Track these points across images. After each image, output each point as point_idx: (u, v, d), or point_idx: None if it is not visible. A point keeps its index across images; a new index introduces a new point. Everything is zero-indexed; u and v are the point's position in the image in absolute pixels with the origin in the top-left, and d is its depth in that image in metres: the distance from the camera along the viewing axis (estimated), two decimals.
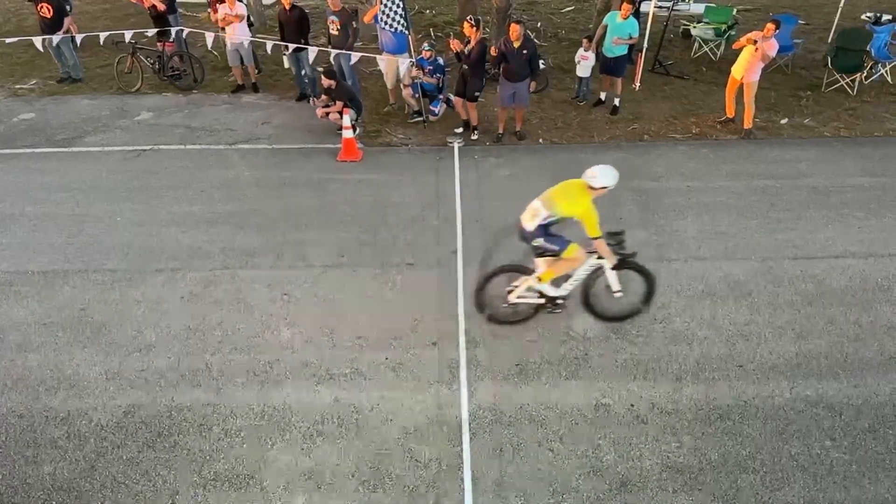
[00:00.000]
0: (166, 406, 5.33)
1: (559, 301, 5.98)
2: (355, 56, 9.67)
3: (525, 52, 8.70)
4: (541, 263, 5.76)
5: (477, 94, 9.24)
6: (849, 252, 7.03)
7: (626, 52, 9.88)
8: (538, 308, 6.03)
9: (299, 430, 5.12)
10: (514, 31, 8.61)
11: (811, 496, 4.63)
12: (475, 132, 9.59)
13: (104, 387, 5.50)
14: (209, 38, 10.66)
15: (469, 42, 8.97)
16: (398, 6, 9.14)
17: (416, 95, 9.83)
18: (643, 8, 11.39)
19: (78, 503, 4.62)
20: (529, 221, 5.57)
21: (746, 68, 9.14)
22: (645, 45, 10.81)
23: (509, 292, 5.97)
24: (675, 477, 4.77)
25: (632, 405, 5.32)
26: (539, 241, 5.60)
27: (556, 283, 5.88)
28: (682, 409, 5.28)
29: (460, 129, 9.68)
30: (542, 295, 5.94)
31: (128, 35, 10.76)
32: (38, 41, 10.78)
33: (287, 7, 10.01)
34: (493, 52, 8.97)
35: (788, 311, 6.26)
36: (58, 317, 6.22)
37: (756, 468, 4.82)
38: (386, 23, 9.28)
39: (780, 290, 6.51)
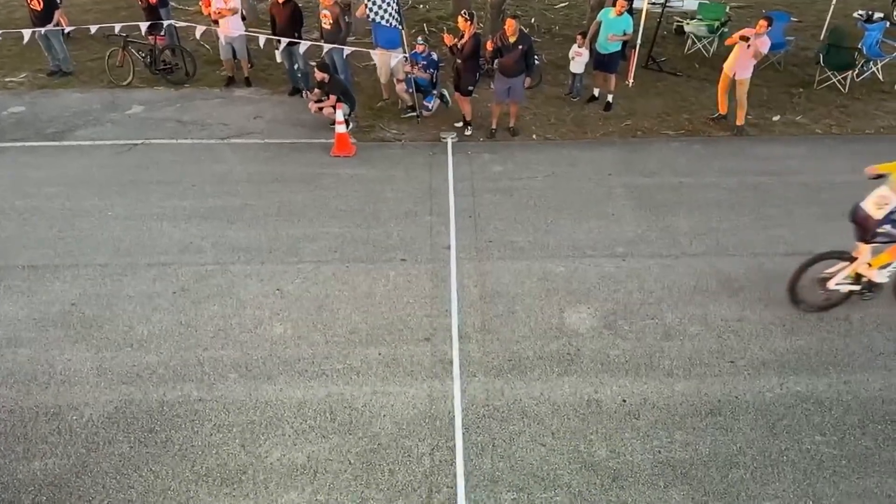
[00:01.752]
0: (158, 401, 5.31)
1: (876, 288, 6.06)
2: (347, 50, 9.62)
3: (521, 47, 8.69)
4: (866, 250, 5.83)
5: (470, 88, 9.23)
6: (839, 248, 7.06)
7: (619, 48, 9.89)
8: (849, 294, 6.10)
9: (291, 426, 5.12)
10: (510, 26, 8.60)
11: (800, 490, 4.66)
12: (468, 128, 9.58)
13: (95, 382, 5.47)
14: (199, 30, 10.59)
15: (462, 36, 8.95)
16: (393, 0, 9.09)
17: (410, 91, 9.81)
18: (636, 4, 11.38)
19: (69, 499, 4.60)
20: (877, 210, 5.61)
21: (739, 65, 9.16)
22: (638, 41, 10.82)
23: (824, 280, 6.06)
24: (667, 472, 4.79)
25: (623, 400, 5.34)
26: (886, 228, 5.66)
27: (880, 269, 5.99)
28: (674, 404, 5.31)
29: (460, 123, 9.67)
30: (857, 281, 6.01)
31: (118, 28, 10.67)
32: (27, 34, 10.68)
33: (280, 0, 9.95)
34: (488, 46, 8.96)
35: (779, 306, 6.29)
36: (48, 312, 6.18)
37: (746, 463, 4.85)
38: (379, 15, 9.20)
39: (771, 286, 6.54)
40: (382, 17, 9.22)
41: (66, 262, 6.85)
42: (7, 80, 11.43)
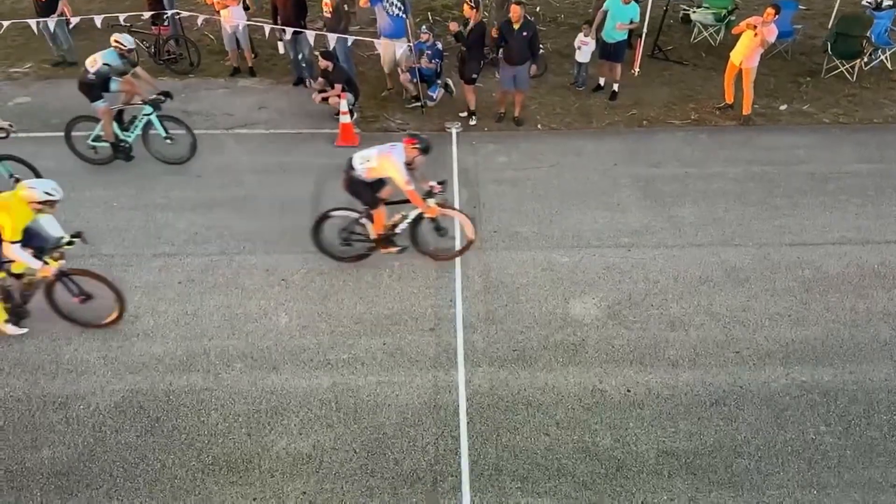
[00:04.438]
0: (164, 391, 5.34)
1: None
2: (351, 40, 9.57)
3: (525, 34, 8.64)
4: None
5: (474, 76, 9.18)
6: (846, 238, 7.04)
7: (625, 37, 9.81)
8: None
9: (297, 415, 5.14)
10: (515, 12, 8.53)
11: (805, 480, 4.67)
12: (473, 118, 9.53)
13: (102, 372, 5.51)
14: (200, 19, 10.54)
15: (468, 24, 8.90)
16: None
17: (414, 81, 9.77)
18: None
19: (77, 487, 4.65)
20: None
21: (746, 54, 9.08)
22: (644, 30, 10.73)
23: None
24: (671, 461, 4.81)
25: (628, 390, 5.35)
26: None
27: None
28: (678, 394, 5.31)
29: (464, 114, 9.62)
30: None
31: (122, 18, 10.63)
32: (32, 24, 10.66)
33: None
34: (493, 33, 8.91)
35: (785, 297, 6.28)
36: None
37: (751, 453, 4.86)
38: (388, 1, 9.14)
39: (776, 276, 6.53)
40: (390, 2, 9.16)
41: (72, 252, 6.84)
42: (12, 70, 11.42)
